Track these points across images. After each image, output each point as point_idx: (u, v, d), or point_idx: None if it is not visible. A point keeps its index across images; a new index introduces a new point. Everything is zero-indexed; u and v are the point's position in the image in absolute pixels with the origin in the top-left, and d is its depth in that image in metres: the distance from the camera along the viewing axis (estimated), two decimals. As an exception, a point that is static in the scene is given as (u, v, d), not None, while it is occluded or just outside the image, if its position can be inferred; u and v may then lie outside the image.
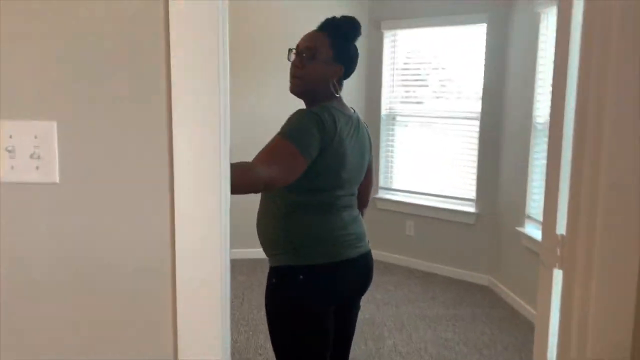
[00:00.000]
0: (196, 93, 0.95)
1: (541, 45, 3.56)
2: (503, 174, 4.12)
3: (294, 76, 1.73)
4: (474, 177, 4.37)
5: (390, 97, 4.78)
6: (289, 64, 1.76)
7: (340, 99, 1.77)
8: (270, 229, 1.75)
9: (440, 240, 4.57)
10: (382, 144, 4.83)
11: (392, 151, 4.84)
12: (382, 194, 4.89)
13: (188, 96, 0.95)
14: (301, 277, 1.68)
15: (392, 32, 4.67)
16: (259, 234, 1.78)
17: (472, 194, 4.41)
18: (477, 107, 4.28)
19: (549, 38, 3.49)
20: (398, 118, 4.81)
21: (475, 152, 4.34)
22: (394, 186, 4.86)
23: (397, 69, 4.74)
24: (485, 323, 3.63)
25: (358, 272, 1.81)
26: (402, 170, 4.83)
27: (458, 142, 4.50)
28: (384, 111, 4.79)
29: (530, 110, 3.68)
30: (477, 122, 4.29)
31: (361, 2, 4.71)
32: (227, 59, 1.02)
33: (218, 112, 0.97)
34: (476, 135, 4.32)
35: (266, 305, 1.76)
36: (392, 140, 4.83)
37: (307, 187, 1.66)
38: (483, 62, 4.19)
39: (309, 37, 1.74)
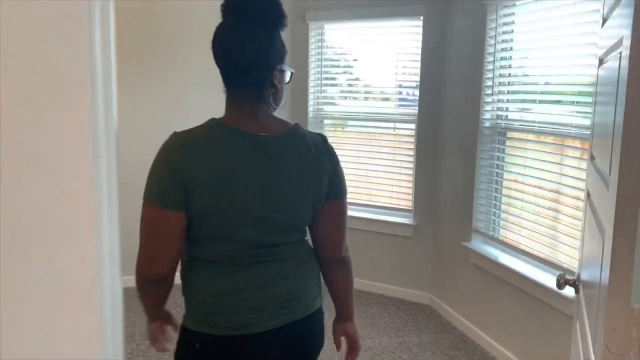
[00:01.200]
0: None
1: (489, 40, 3.20)
2: (444, 182, 3.74)
3: None
4: (411, 185, 3.98)
5: (317, 98, 4.28)
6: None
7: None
8: None
9: (376, 255, 4.14)
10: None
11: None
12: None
13: None
14: (197, 345, 1.32)
15: (318, 23, 4.17)
16: None
17: (409, 204, 4.01)
18: (413, 109, 3.89)
19: (498, 32, 3.14)
20: (326, 121, 4.32)
21: (412, 158, 3.94)
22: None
23: (325, 66, 4.25)
24: (434, 353, 3.21)
25: (265, 351, 1.35)
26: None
27: (393, 147, 4.09)
28: (310, 113, 4.28)
29: (477, 114, 3.32)
30: (414, 126, 3.90)
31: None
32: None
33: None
34: (412, 140, 3.92)
35: None
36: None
37: (189, 236, 1.29)
38: (419, 59, 3.79)
39: None
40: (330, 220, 1.40)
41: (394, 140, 4.09)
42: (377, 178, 4.13)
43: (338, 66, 4.28)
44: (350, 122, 4.28)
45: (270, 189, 1.28)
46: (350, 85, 4.28)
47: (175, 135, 1.25)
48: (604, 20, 1.49)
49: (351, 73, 4.29)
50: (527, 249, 3.00)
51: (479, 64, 3.27)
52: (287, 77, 1.40)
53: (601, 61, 1.51)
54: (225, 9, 1.27)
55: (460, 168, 3.52)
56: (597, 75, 1.52)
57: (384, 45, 4.00)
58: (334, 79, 4.27)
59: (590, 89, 2.54)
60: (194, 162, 1.21)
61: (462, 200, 3.49)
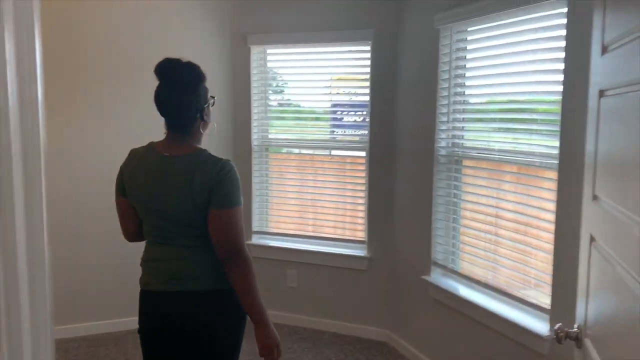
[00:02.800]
0: None
1: (443, 66, 3.11)
2: (400, 212, 3.59)
3: None
4: (364, 215, 3.80)
5: (261, 124, 4.04)
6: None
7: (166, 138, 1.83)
8: None
9: (328, 291, 3.91)
10: (255, 180, 4.06)
11: (267, 188, 4.08)
12: (257, 240, 4.10)
13: None
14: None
15: (261, 47, 3.95)
16: None
17: (363, 235, 3.83)
18: (364, 136, 3.73)
19: (452, 58, 3.05)
20: (273, 149, 4.08)
21: (364, 187, 3.77)
22: (271, 229, 4.10)
23: (269, 92, 4.02)
24: (399, 397, 3.01)
25: (154, 309, 1.84)
26: (280, 211, 4.09)
27: (343, 175, 3.91)
28: (254, 141, 4.02)
29: (432, 141, 3.20)
30: (365, 154, 3.74)
31: (223, 10, 3.92)
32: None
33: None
34: (364, 167, 3.76)
35: None
36: (267, 175, 4.08)
37: None
38: (369, 84, 3.66)
39: None
40: (213, 225, 1.72)
41: (344, 169, 3.91)
42: (326, 208, 3.93)
43: (282, 92, 4.07)
44: (296, 150, 4.07)
45: (161, 191, 1.76)
46: (297, 111, 4.07)
47: (130, 150, 1.88)
48: (604, 49, 1.37)
49: (296, 100, 4.09)
50: (489, 282, 2.88)
51: (433, 90, 3.16)
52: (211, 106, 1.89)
53: (602, 92, 1.38)
54: (157, 74, 1.78)
55: (417, 197, 3.38)
56: (598, 104, 1.39)
57: (331, 70, 3.83)
58: (279, 105, 4.05)
59: (552, 117, 2.48)
60: (127, 167, 1.84)
61: (420, 231, 3.35)
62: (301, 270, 3.97)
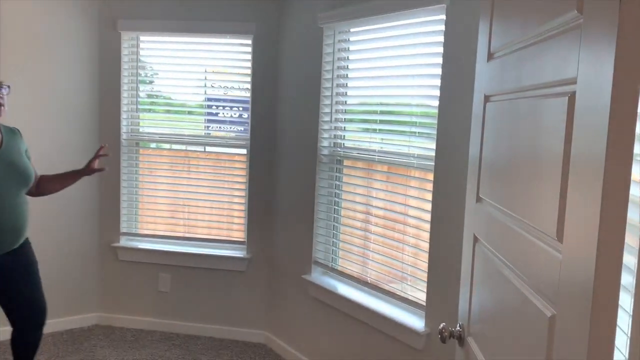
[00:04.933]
0: None
1: (326, 65, 3.10)
2: (281, 212, 3.54)
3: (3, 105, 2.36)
4: (244, 215, 3.69)
5: (132, 117, 3.74)
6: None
7: None
8: None
9: (204, 294, 3.74)
10: (124, 177, 3.75)
11: (135, 186, 3.79)
12: (126, 242, 3.79)
13: None
14: None
15: (133, 34, 3.66)
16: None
17: (242, 236, 3.71)
18: (243, 132, 3.62)
19: (335, 58, 3.05)
20: (142, 144, 3.80)
21: (245, 186, 3.66)
22: (141, 231, 3.82)
23: (141, 82, 3.74)
24: (278, 401, 2.95)
25: None
26: (151, 211, 3.82)
27: (222, 173, 3.76)
28: (124, 135, 3.71)
29: (315, 140, 3.18)
30: (245, 151, 3.63)
31: (89, -10, 3.56)
32: None
33: None
34: (245, 166, 3.65)
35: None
36: (136, 172, 3.79)
37: None
38: (250, 79, 3.55)
39: None
40: None
41: (221, 167, 3.76)
42: (200, 208, 3.75)
43: (154, 83, 3.81)
44: (168, 146, 3.83)
45: None
46: (167, 104, 3.83)
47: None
48: (490, 56, 1.41)
49: (169, 92, 3.85)
50: (367, 280, 2.94)
51: (316, 90, 3.15)
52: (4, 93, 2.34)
53: (487, 97, 1.43)
54: None
55: (299, 197, 3.35)
56: (484, 109, 1.43)
57: (209, 63, 3.66)
58: (151, 96, 3.78)
59: (429, 120, 2.58)
60: None
61: (302, 231, 3.32)
62: (174, 274, 3.74)
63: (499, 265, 1.24)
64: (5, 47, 3.23)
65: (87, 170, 2.61)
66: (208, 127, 3.77)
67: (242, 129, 3.64)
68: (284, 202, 3.49)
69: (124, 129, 3.71)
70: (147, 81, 3.76)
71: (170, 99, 3.80)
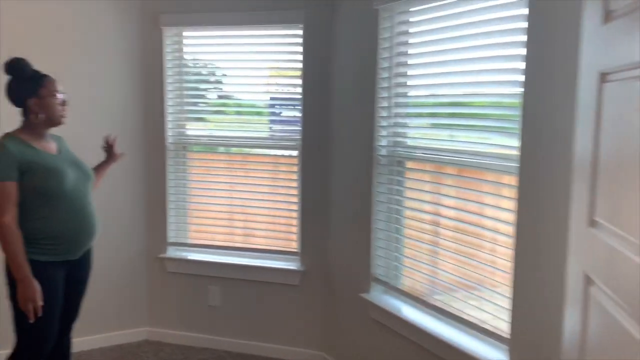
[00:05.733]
0: None
1: (383, 52, 2.69)
2: (336, 219, 3.16)
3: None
4: (296, 222, 3.34)
5: (178, 119, 3.49)
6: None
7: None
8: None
9: (256, 309, 3.43)
10: (170, 184, 3.51)
11: (184, 192, 3.54)
12: (173, 253, 3.55)
13: None
14: None
15: (176, 29, 3.40)
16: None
17: (295, 246, 3.37)
18: (296, 132, 3.27)
19: (394, 43, 2.64)
20: (193, 148, 3.54)
21: (297, 191, 3.31)
22: (190, 241, 3.57)
23: (187, 82, 3.48)
24: None
25: None
26: (200, 220, 3.56)
27: (273, 177, 3.43)
28: (170, 139, 3.47)
29: (371, 139, 2.78)
30: (297, 153, 3.28)
31: (129, -15, 3.34)
32: None
33: None
34: (296, 169, 3.30)
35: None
36: (185, 178, 3.54)
37: None
38: (300, 74, 3.20)
39: None
40: None
41: (271, 170, 3.43)
42: (251, 215, 3.44)
43: (202, 81, 3.55)
44: (221, 149, 3.55)
45: None
46: (218, 104, 3.55)
47: None
48: (609, 15, 0.97)
49: (220, 89, 3.58)
50: (436, 303, 2.50)
51: (372, 81, 2.74)
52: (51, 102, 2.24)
53: (604, 76, 0.98)
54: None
55: (355, 203, 2.96)
56: (599, 92, 0.99)
57: (256, 57, 3.34)
58: (199, 97, 3.52)
59: (511, 112, 2.11)
60: None
61: (359, 242, 2.93)
62: (225, 287, 3.47)
63: (626, 325, 0.80)
64: (43, 49, 3.05)
65: (110, 159, 2.65)
66: (264, 127, 3.46)
67: (292, 128, 3.30)
68: (339, 209, 3.12)
69: (169, 132, 3.47)
70: (193, 80, 3.50)
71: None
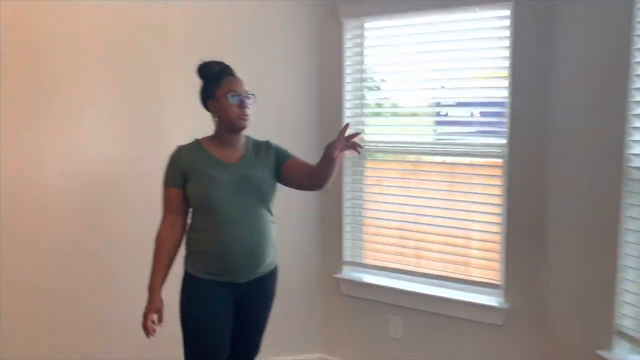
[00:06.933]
0: None
1: (638, 42, 1.97)
2: (556, 247, 2.49)
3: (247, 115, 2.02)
4: (499, 248, 2.72)
5: (357, 123, 3.07)
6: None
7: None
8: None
9: (446, 348, 2.87)
10: (347, 196, 3.12)
11: (361, 206, 3.12)
12: (349, 273, 3.15)
13: None
14: None
15: (357, 22, 3.00)
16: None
17: (498, 277, 2.74)
18: (500, 137, 2.66)
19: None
20: (369, 155, 3.10)
21: (500, 209, 2.69)
22: (367, 261, 3.13)
23: (366, 80, 3.05)
24: None
25: None
26: (380, 237, 3.10)
27: (463, 191, 2.84)
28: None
29: (618, 148, 2.08)
30: (501, 161, 2.66)
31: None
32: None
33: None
34: (499, 181, 2.69)
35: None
36: (361, 190, 3.12)
37: None
38: (508, 67, 2.58)
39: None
40: None
41: (467, 183, 2.84)
42: (437, 236, 2.88)
43: (383, 82, 3.09)
44: (401, 157, 3.06)
45: None
46: (405, 107, 3.08)
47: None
48: None
49: (401, 91, 3.09)
50: None
51: (622, 76, 2.04)
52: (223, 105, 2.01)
53: None
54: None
55: (588, 228, 2.27)
56: None
57: (453, 47, 2.79)
58: (379, 97, 3.07)
59: None
60: None
61: (594, 279, 2.23)
62: (407, 318, 2.97)
63: None
64: (219, 47, 2.84)
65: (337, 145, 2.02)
66: (441, 132, 2.93)
67: (493, 130, 2.69)
68: (563, 235, 2.43)
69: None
70: (374, 79, 3.06)
71: (400, 99, 3.06)
